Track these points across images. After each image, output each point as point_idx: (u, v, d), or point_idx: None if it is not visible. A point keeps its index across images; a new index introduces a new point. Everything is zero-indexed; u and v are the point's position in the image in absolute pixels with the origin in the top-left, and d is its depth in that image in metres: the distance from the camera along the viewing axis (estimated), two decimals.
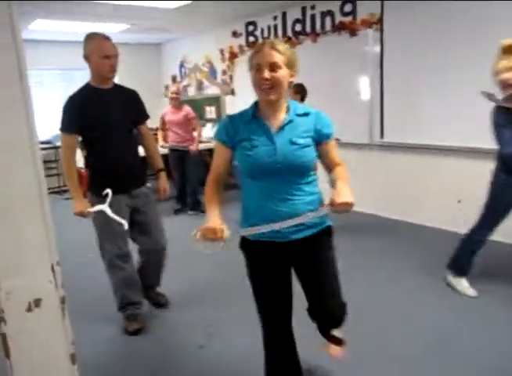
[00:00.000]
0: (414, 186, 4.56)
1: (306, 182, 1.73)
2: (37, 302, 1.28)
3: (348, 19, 4.81)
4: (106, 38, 2.47)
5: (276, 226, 1.66)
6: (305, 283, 1.87)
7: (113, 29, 6.12)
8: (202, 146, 6.49)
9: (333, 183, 1.68)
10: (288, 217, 1.67)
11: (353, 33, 4.76)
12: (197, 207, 5.61)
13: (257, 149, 1.70)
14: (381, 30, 4.48)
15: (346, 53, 4.83)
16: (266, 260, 1.83)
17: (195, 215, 5.54)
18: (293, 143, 1.68)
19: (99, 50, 2.42)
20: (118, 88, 2.66)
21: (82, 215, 2.50)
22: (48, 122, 7.09)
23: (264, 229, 1.68)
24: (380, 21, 4.47)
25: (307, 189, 1.73)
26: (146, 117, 2.85)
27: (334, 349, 1.96)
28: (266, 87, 1.65)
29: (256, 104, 1.78)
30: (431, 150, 4.33)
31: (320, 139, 1.74)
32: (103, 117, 2.50)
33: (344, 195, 1.56)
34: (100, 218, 2.53)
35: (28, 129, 1.22)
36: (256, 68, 1.66)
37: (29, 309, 1.27)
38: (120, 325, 2.80)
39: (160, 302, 3.05)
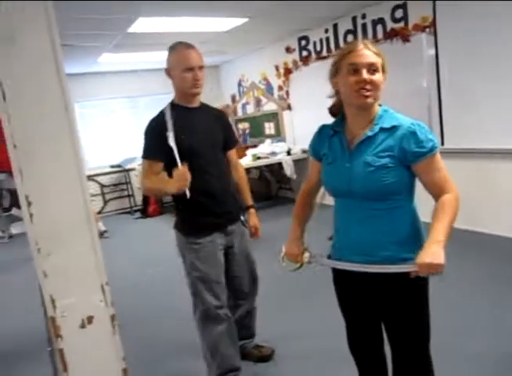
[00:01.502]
0: (479, 192, 4.32)
1: (388, 208, 1.48)
2: (90, 319, 1.38)
3: (400, 25, 4.71)
4: (190, 47, 2.14)
5: (346, 266, 1.55)
6: (384, 323, 1.67)
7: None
8: (261, 162, 6.61)
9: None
10: (360, 245, 1.54)
11: (406, 39, 4.66)
12: None
13: (332, 167, 1.57)
14: (435, 34, 4.34)
15: (400, 60, 4.71)
16: (344, 284, 1.70)
17: None
18: (368, 164, 1.46)
19: (179, 62, 2.09)
20: (206, 107, 2.30)
21: (183, 180, 1.99)
22: (118, 147, 7.61)
23: (336, 265, 1.59)
24: (433, 24, 4.33)
25: (388, 217, 1.49)
26: (235, 142, 2.46)
27: None
28: (365, 91, 1.42)
29: (342, 116, 1.60)
30: (496, 154, 4.09)
31: (409, 159, 1.44)
32: (193, 140, 2.11)
33: (430, 254, 1.32)
34: (195, 264, 2.18)
35: (75, 158, 1.32)
36: (352, 68, 1.43)
37: (82, 326, 1.37)
38: None
39: (265, 354, 2.57)
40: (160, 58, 6.98)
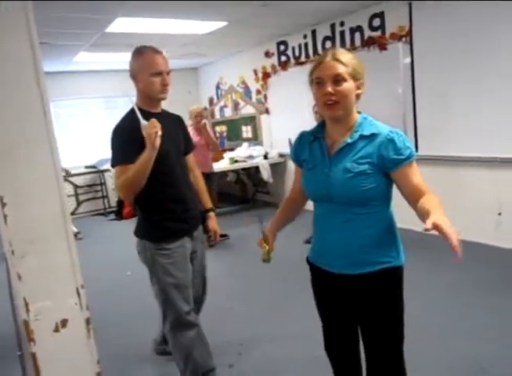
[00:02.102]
0: (452, 199, 4.42)
1: (366, 213, 1.52)
2: (64, 323, 1.36)
3: (377, 33, 4.80)
4: (157, 52, 2.08)
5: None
6: (360, 325, 1.69)
7: None
8: (238, 166, 6.62)
9: (422, 215, 1.34)
10: (338, 248, 1.57)
11: (383, 47, 4.75)
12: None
13: (312, 172, 1.61)
14: (411, 43, 4.45)
15: (377, 67, 4.80)
16: (322, 286, 1.74)
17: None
18: (347, 170, 1.50)
19: (148, 66, 2.03)
20: (166, 112, 2.27)
21: (153, 127, 1.90)
22: (93, 148, 7.49)
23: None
24: (410, 33, 4.44)
25: (366, 222, 1.53)
26: (193, 146, 2.45)
27: None
28: (330, 102, 1.47)
29: (323, 122, 1.64)
30: (469, 162, 4.21)
31: (387, 166, 1.48)
32: (163, 144, 1.98)
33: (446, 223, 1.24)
34: (168, 269, 2.13)
35: (52, 159, 1.31)
36: (317, 82, 1.49)
37: (56, 330, 1.35)
38: None
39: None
40: None
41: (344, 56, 1.48)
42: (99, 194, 7.68)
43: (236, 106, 7.72)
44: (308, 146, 1.65)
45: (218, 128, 8.23)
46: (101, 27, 4.53)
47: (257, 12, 4.53)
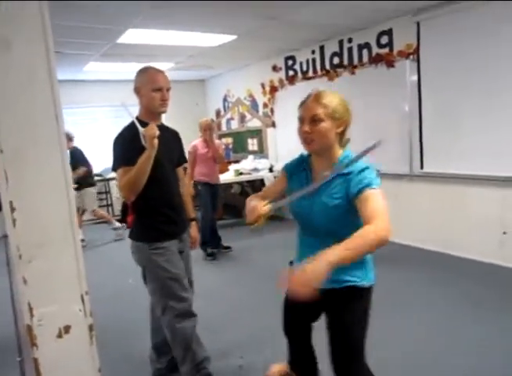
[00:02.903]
0: (456, 217, 4.43)
1: (337, 240, 1.49)
2: (67, 329, 1.36)
3: (385, 50, 4.85)
4: (159, 71, 2.32)
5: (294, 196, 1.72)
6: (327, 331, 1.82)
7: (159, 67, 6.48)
8: (243, 178, 6.64)
9: None
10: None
11: (390, 64, 4.79)
12: (220, 244, 5.29)
13: (297, 200, 1.72)
14: (418, 61, 4.49)
15: (384, 84, 4.85)
16: None
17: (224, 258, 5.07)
18: (324, 204, 1.65)
19: (150, 82, 2.25)
20: (165, 126, 2.46)
21: (153, 129, 2.14)
22: (99, 156, 7.53)
23: (287, 201, 1.76)
24: (417, 51, 4.48)
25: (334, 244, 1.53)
26: (185, 160, 2.69)
27: None
28: (307, 140, 1.67)
29: (309, 155, 1.81)
30: (473, 180, 4.20)
31: (350, 198, 1.60)
32: (159, 153, 2.20)
33: (312, 268, 1.35)
34: (164, 266, 2.29)
35: (62, 166, 1.32)
36: (299, 120, 1.69)
37: (59, 336, 1.35)
38: None
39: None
40: None
41: (326, 98, 1.65)
42: (104, 202, 7.70)
43: (242, 118, 7.77)
44: (300, 173, 1.81)
45: (224, 140, 8.27)
46: (112, 37, 4.60)
47: (266, 27, 4.59)
